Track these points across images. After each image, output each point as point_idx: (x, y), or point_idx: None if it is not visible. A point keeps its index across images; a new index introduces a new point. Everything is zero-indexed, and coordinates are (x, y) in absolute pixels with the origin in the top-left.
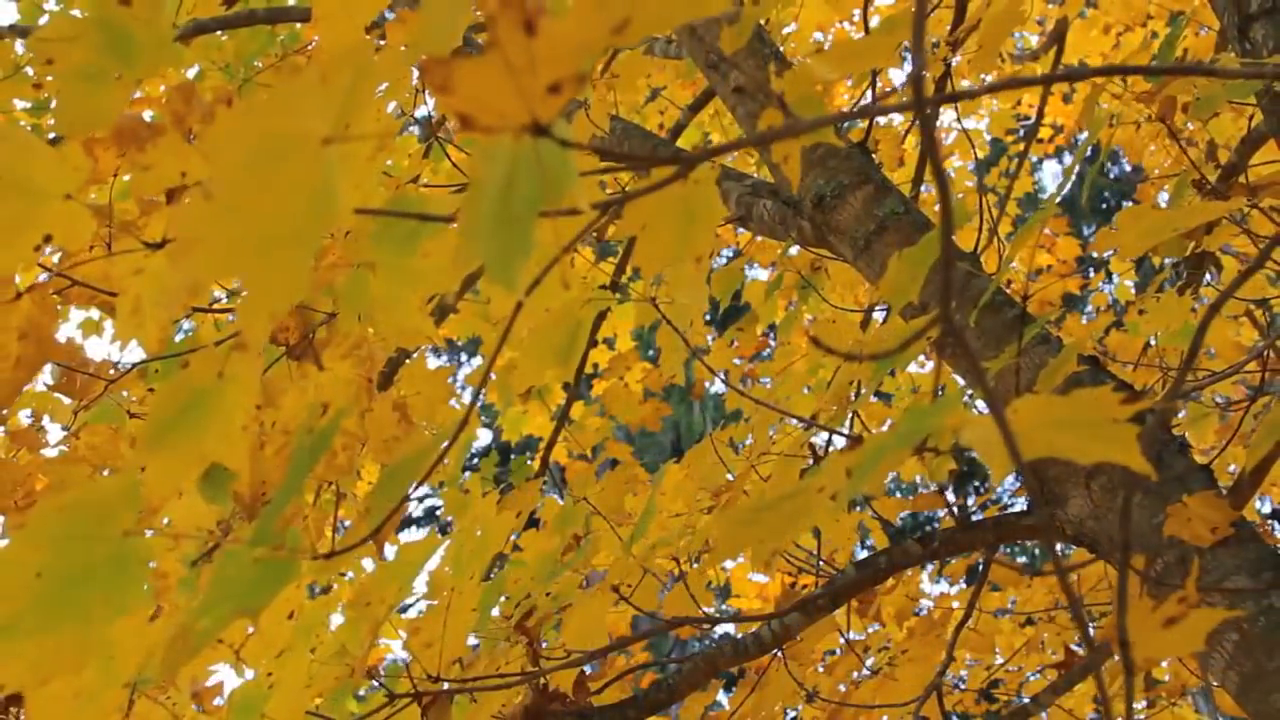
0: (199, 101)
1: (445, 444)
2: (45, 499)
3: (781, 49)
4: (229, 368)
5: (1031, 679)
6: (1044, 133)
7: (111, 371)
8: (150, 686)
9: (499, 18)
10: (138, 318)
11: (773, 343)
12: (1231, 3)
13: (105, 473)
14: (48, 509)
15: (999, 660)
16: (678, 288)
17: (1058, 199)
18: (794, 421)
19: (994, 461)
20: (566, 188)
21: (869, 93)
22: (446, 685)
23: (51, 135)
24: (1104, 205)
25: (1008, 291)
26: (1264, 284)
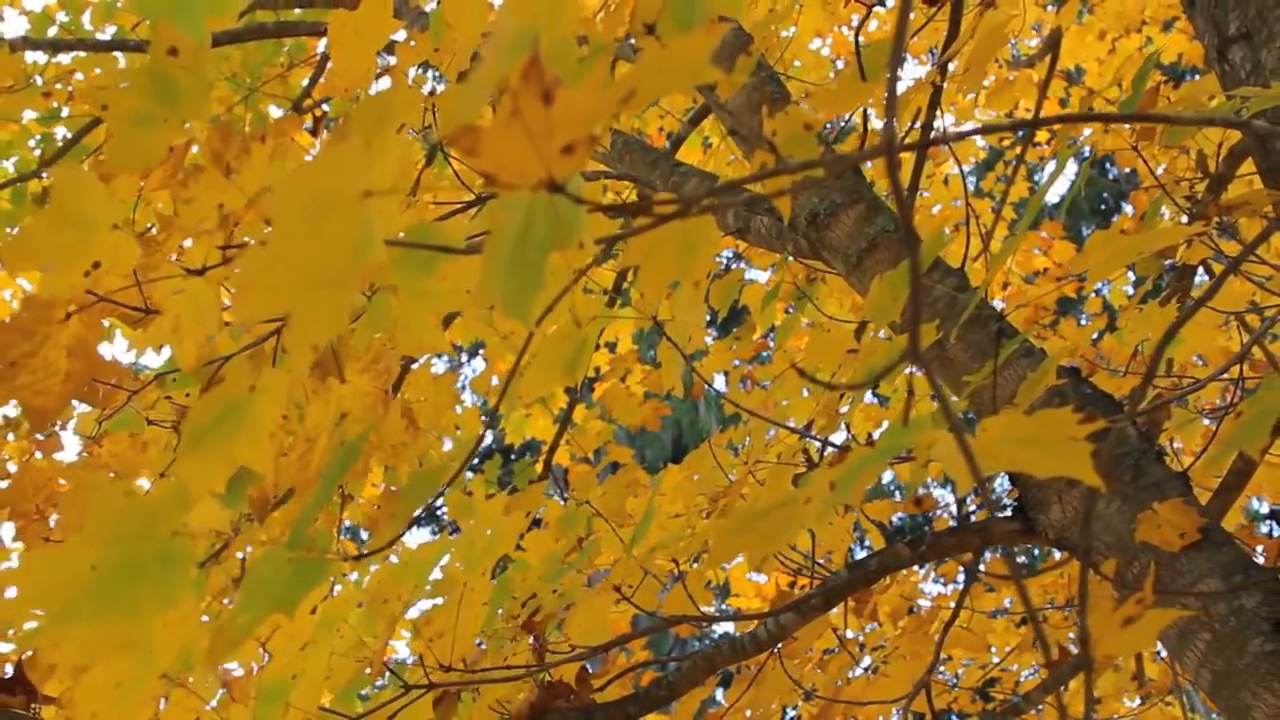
0: (236, 138)
1: (461, 458)
2: (74, 499)
3: (780, 58)
4: (261, 381)
5: (1028, 677)
6: (1041, 135)
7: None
8: (182, 677)
9: (520, 90)
10: (177, 335)
11: (772, 344)
12: (1211, 25)
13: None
14: (105, 510)
15: (995, 660)
16: (677, 306)
17: (1044, 209)
18: (790, 424)
19: (959, 474)
20: (578, 234)
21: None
22: (457, 678)
23: (61, 142)
24: (1102, 206)
25: (995, 305)
26: (1253, 291)
